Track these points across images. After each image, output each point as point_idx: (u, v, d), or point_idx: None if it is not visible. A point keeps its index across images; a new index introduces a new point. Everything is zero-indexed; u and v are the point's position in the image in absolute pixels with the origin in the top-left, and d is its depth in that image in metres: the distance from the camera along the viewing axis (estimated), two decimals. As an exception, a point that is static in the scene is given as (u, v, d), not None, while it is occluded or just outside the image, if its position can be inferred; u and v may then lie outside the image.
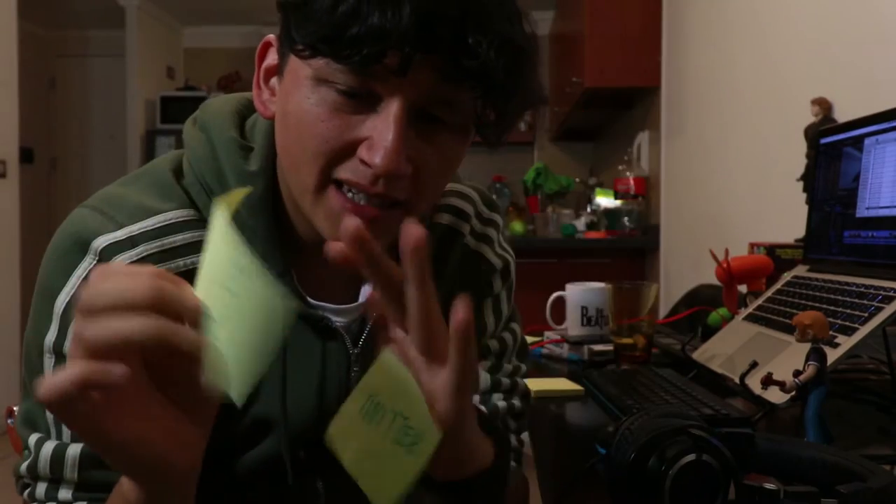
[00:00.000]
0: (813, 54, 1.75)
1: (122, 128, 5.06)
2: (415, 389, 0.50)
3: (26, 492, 0.65)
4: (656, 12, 3.08)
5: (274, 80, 0.62)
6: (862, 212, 1.03)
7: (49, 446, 0.62)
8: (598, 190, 3.84)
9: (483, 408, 0.79)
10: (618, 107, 3.74)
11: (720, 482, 0.51)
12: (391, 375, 0.51)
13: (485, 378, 0.81)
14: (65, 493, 0.62)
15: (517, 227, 3.93)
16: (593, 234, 3.50)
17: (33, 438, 0.63)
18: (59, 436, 0.62)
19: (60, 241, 0.62)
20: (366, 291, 0.71)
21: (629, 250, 3.34)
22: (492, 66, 0.53)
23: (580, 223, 3.68)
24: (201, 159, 0.65)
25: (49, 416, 0.63)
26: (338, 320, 0.69)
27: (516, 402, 0.84)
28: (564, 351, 1.32)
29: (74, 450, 0.61)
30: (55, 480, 0.62)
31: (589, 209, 3.86)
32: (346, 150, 0.56)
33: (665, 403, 0.85)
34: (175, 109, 4.94)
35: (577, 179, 4.38)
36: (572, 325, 1.35)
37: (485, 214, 0.81)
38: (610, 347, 1.24)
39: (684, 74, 2.82)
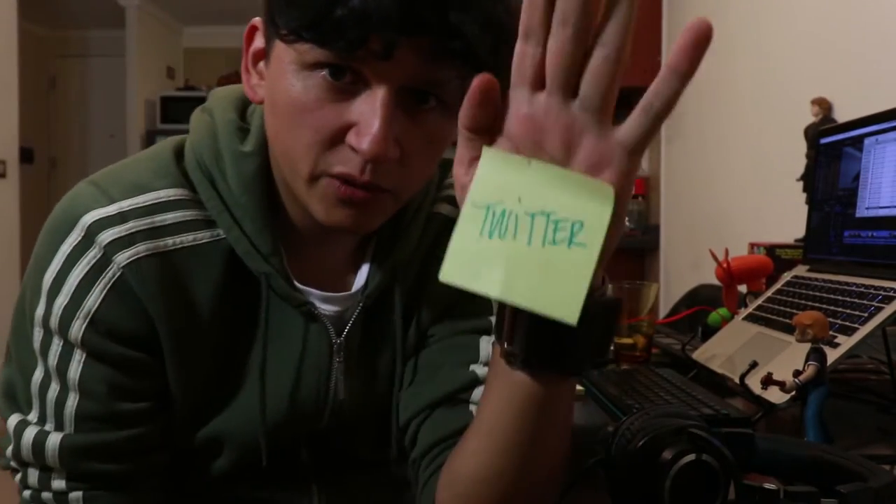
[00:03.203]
0: (813, 54, 1.75)
1: (122, 128, 5.07)
2: (548, 173, 0.40)
3: (17, 476, 0.65)
4: (656, 12, 3.08)
5: (262, 64, 0.62)
6: (862, 212, 1.03)
7: (29, 434, 0.62)
8: (598, 190, 3.84)
9: None
10: (618, 107, 3.73)
11: (720, 482, 0.51)
12: (507, 172, 0.41)
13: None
14: (58, 483, 0.62)
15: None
16: (593, 234, 3.50)
17: (13, 421, 0.63)
18: (41, 418, 0.62)
19: (55, 215, 0.63)
20: (360, 279, 0.70)
21: (629, 250, 3.34)
22: (477, 44, 0.52)
23: (580, 223, 3.67)
24: (201, 140, 0.66)
25: (33, 387, 0.62)
26: (324, 307, 0.69)
27: None
28: (564, 351, 1.32)
29: (55, 439, 0.61)
30: (45, 469, 0.62)
31: (589, 209, 3.85)
32: (336, 138, 0.56)
33: (665, 403, 0.85)
34: (175, 109, 4.95)
35: (577, 179, 4.38)
36: (572, 325, 1.35)
37: None
38: (610, 347, 1.24)
39: (684, 74, 2.82)
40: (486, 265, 0.41)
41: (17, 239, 3.62)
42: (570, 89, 0.41)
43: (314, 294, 0.68)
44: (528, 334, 0.46)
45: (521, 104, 0.42)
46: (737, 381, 0.88)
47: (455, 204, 0.73)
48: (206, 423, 0.67)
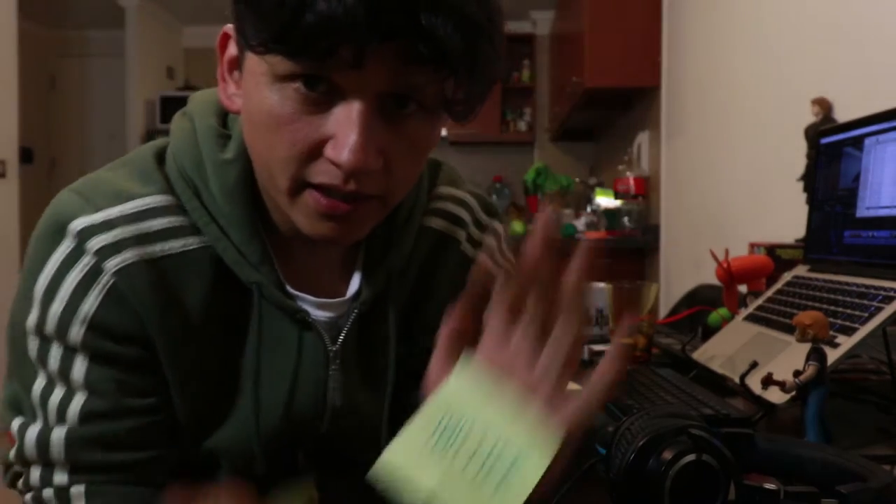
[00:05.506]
0: (813, 54, 1.75)
1: (122, 128, 5.07)
2: (507, 407, 0.44)
3: (20, 481, 0.64)
4: (656, 12, 3.08)
5: (237, 73, 0.61)
6: (862, 212, 1.03)
7: (33, 431, 0.62)
8: (598, 190, 3.84)
9: None
10: (618, 107, 3.74)
11: (720, 482, 0.51)
12: (475, 389, 0.45)
13: None
14: (60, 477, 0.61)
15: (517, 227, 3.93)
16: (593, 234, 3.50)
17: (16, 423, 0.63)
18: (45, 419, 0.62)
19: (42, 224, 0.62)
20: (353, 286, 0.70)
21: (629, 250, 3.34)
22: (450, 46, 0.51)
23: (580, 223, 3.68)
24: (182, 147, 0.65)
25: (34, 397, 0.62)
26: (319, 314, 0.68)
27: None
28: (564, 351, 1.32)
29: (59, 433, 0.61)
30: (47, 464, 0.62)
31: (589, 209, 3.86)
32: (315, 151, 0.55)
33: (665, 403, 0.85)
34: (175, 109, 4.79)
35: (577, 179, 4.39)
36: (572, 325, 1.35)
37: (483, 221, 0.79)
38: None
39: (684, 74, 2.82)
40: (423, 471, 0.44)
41: (17, 239, 3.62)
42: (543, 337, 0.48)
43: (308, 301, 0.67)
44: None
45: (498, 331, 0.50)
46: (737, 381, 0.88)
47: (446, 218, 0.76)
48: (202, 436, 0.66)
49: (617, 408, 0.89)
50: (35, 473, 0.62)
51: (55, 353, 0.61)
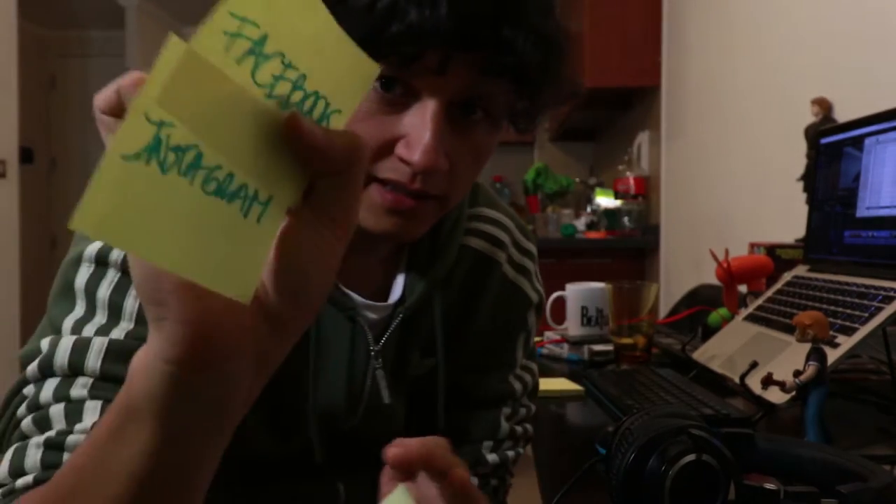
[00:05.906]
0: (813, 54, 1.75)
1: (122, 128, 5.06)
2: None
3: (22, 406, 0.57)
4: (656, 12, 3.08)
5: None
6: (862, 212, 1.03)
7: (69, 339, 0.57)
8: (598, 190, 3.84)
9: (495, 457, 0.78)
10: (618, 107, 3.74)
11: (720, 482, 0.51)
12: None
13: (504, 428, 0.78)
14: (79, 391, 0.56)
15: (517, 227, 3.93)
16: (593, 234, 3.50)
17: (45, 342, 0.58)
18: (80, 336, 0.58)
19: None
20: (397, 289, 0.71)
21: (629, 250, 3.34)
22: (528, 60, 0.54)
23: (580, 223, 3.67)
24: None
25: (65, 327, 0.58)
26: (364, 313, 0.69)
27: (521, 448, 0.83)
28: (564, 351, 1.32)
29: (101, 340, 0.57)
30: (71, 375, 0.57)
31: (589, 209, 3.85)
32: (386, 149, 0.57)
33: (665, 403, 0.85)
34: (175, 109, 4.94)
35: (577, 179, 4.38)
36: (572, 325, 1.35)
37: (522, 244, 0.81)
38: (610, 347, 1.25)
39: (684, 74, 2.82)
40: None
41: (17, 238, 3.62)
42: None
43: (358, 301, 0.69)
44: None
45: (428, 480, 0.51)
46: (737, 381, 0.88)
47: (486, 239, 0.78)
48: (255, 420, 0.65)
49: (617, 408, 0.89)
50: (49, 387, 0.57)
51: (111, 277, 0.59)
